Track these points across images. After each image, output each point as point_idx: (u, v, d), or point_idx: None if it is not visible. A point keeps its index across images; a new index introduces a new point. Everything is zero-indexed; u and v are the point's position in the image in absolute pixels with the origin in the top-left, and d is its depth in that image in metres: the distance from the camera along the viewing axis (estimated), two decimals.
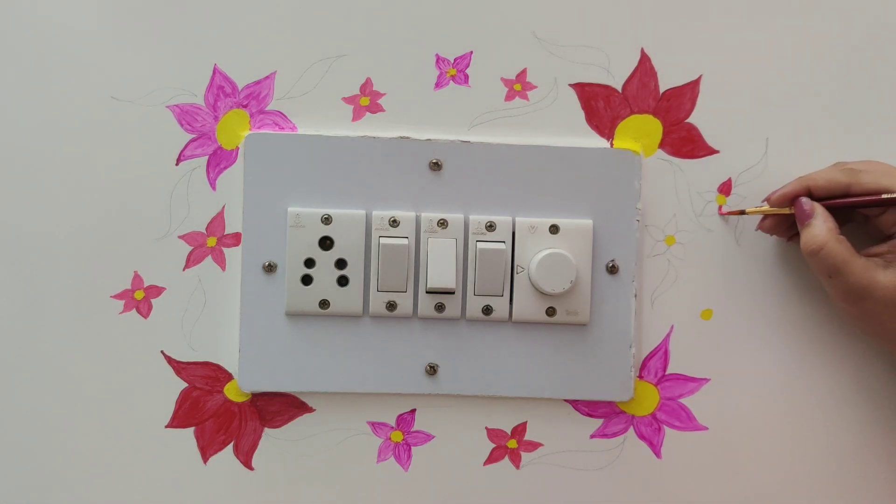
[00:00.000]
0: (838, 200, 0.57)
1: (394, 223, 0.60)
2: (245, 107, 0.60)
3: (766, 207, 0.59)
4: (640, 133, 0.61)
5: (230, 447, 0.61)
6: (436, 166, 0.60)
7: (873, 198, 0.56)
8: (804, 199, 0.57)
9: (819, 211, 0.56)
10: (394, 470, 0.62)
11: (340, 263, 0.60)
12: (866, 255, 0.57)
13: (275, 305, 0.60)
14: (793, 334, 0.62)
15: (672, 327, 0.62)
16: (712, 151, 0.62)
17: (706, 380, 0.62)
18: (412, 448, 0.62)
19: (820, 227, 0.56)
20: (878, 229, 0.58)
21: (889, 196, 0.55)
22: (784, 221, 0.60)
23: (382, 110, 0.61)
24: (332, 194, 0.60)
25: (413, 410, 0.62)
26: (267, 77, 0.60)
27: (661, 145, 0.62)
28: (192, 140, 0.60)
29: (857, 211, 0.59)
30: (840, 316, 0.61)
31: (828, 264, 0.55)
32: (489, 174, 0.60)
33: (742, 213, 0.61)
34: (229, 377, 0.61)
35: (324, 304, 0.60)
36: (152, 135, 0.60)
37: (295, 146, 0.60)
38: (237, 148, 0.60)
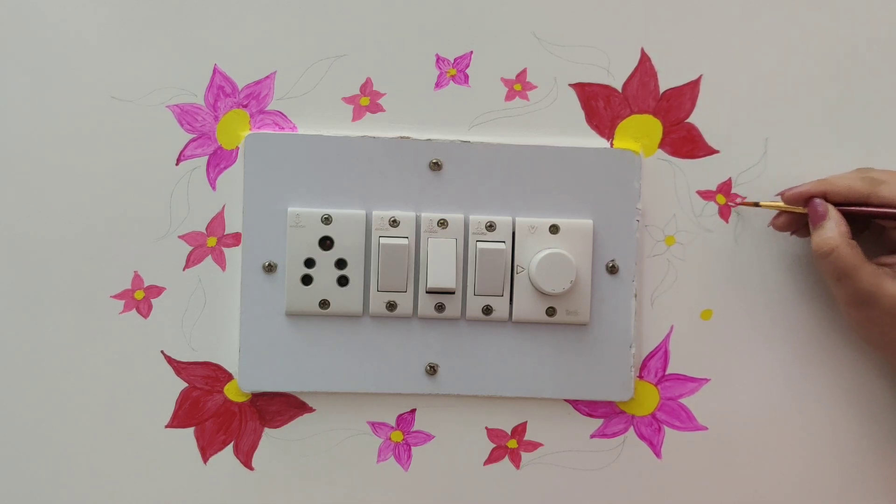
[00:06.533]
0: (854, 208, 0.57)
1: (394, 223, 0.60)
2: (245, 107, 0.60)
3: (780, 203, 0.59)
4: (639, 133, 0.61)
5: (230, 447, 0.61)
6: (436, 166, 0.60)
7: (891, 210, 0.56)
8: (818, 201, 0.57)
9: (833, 213, 0.56)
10: (394, 470, 0.62)
11: (340, 263, 0.60)
12: (877, 263, 0.56)
13: (275, 305, 0.60)
14: (793, 334, 0.62)
15: (672, 327, 0.62)
16: (712, 151, 0.62)
17: (706, 380, 0.62)
18: (412, 448, 0.62)
19: (832, 230, 0.56)
20: (892, 241, 0.58)
21: None
22: (797, 220, 0.59)
23: (382, 110, 0.61)
24: (332, 194, 0.60)
25: (413, 410, 0.62)
26: (267, 77, 0.60)
27: (661, 145, 0.62)
28: (192, 140, 0.60)
29: (872, 221, 0.59)
30: (844, 320, 0.61)
31: (837, 267, 0.55)
32: (489, 174, 0.60)
33: (756, 205, 0.60)
34: (229, 377, 0.61)
35: (324, 304, 0.60)
36: (152, 135, 0.60)
37: (295, 146, 0.60)
38: (237, 148, 0.60)
